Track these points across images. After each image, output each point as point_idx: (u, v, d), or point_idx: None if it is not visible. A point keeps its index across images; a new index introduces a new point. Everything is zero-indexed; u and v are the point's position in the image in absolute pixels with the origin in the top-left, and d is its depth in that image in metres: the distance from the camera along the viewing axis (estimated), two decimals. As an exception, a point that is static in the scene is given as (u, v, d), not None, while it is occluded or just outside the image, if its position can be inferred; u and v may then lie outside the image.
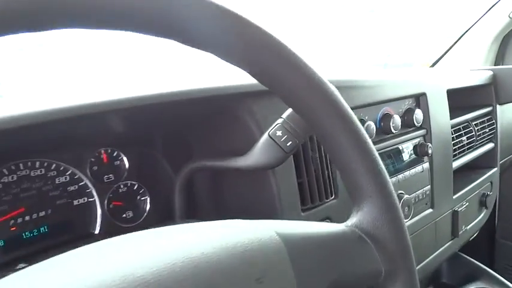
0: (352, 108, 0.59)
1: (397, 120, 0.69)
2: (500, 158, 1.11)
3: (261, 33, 0.29)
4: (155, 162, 0.61)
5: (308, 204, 0.56)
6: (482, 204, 0.99)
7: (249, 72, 0.30)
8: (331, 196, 0.59)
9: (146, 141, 0.60)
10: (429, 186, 0.79)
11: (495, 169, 1.05)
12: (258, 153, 0.46)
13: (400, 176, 0.71)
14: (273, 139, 0.45)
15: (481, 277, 0.96)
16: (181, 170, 0.53)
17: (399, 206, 0.35)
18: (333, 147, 0.34)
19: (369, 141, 0.35)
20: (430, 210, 0.80)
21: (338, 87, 0.61)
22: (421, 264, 0.81)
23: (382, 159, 0.67)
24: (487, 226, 1.75)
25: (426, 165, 0.78)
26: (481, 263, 1.68)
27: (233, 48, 0.29)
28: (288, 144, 0.45)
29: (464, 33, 1.43)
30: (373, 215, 0.34)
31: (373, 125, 0.64)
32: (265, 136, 0.46)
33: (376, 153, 0.35)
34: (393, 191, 0.36)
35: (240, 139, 0.51)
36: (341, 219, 0.36)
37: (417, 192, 0.76)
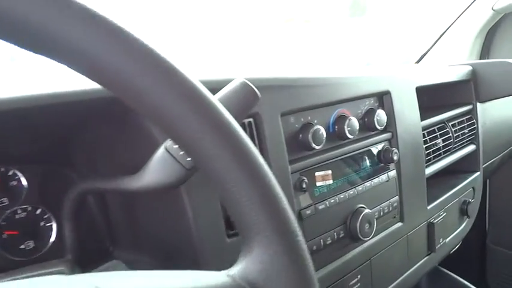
0: (295, 111, 0.49)
1: (353, 123, 0.59)
2: (483, 161, 1.01)
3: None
4: (63, 181, 0.51)
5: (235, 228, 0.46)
6: (463, 212, 0.89)
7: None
8: (269, 216, 0.50)
9: (49, 156, 0.50)
10: (397, 197, 0.69)
11: (477, 173, 0.96)
12: (152, 171, 0.36)
13: (360, 188, 0.62)
14: (169, 153, 0.36)
15: (463, 295, 0.87)
16: (69, 192, 0.43)
17: (304, 247, 0.26)
18: (211, 171, 0.25)
19: (262, 162, 0.25)
20: (400, 224, 0.71)
21: (280, 87, 0.52)
22: (393, 284, 0.71)
23: (338, 169, 0.57)
24: (477, 232, 1.66)
25: (393, 173, 0.68)
26: (472, 270, 1.60)
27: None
28: (188, 159, 0.35)
29: (448, 28, 1.35)
30: (264, 260, 0.25)
31: (322, 130, 0.54)
32: (161, 149, 0.37)
33: (272, 178, 0.26)
34: (296, 228, 0.26)
35: (142, 152, 0.42)
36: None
37: (382, 205, 0.66)
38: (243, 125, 0.47)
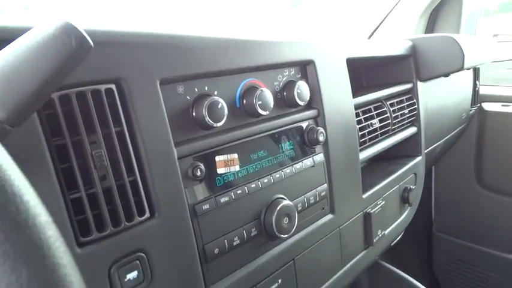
0: (185, 79, 0.38)
1: (266, 95, 0.48)
2: (425, 146, 0.95)
3: None
4: None
5: (92, 233, 0.34)
6: (405, 200, 0.82)
7: None
8: (144, 214, 0.38)
9: None
10: (325, 185, 0.59)
11: (419, 158, 0.89)
12: None
13: (277, 175, 0.51)
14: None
15: (404, 290, 0.79)
16: None
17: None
18: None
19: None
20: (330, 216, 0.61)
21: (159, 45, 0.39)
22: (327, 284, 0.62)
23: (247, 153, 0.46)
24: (423, 220, 1.63)
25: (319, 157, 0.58)
26: (418, 260, 1.56)
27: None
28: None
29: (394, 6, 1.29)
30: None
31: (222, 103, 0.43)
32: None
33: None
34: None
35: None
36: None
37: (307, 195, 0.56)
38: (97, 93, 0.35)
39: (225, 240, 0.45)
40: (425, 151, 0.97)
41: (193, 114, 0.43)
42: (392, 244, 0.82)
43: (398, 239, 0.85)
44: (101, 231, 0.35)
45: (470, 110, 1.29)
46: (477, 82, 1.26)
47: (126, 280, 0.36)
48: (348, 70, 0.64)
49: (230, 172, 0.46)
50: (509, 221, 1.39)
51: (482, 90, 1.35)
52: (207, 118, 0.42)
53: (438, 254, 1.57)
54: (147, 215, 0.38)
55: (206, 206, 0.43)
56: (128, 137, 0.36)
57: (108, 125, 0.35)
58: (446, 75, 0.90)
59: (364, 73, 0.91)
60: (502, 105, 1.36)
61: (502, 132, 1.35)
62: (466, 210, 1.49)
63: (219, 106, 0.43)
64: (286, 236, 0.50)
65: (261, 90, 0.48)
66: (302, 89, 0.54)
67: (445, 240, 1.55)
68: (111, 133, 0.35)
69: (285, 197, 0.52)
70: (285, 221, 0.50)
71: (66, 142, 0.33)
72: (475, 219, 1.47)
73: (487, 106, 1.37)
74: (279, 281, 0.53)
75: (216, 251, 0.44)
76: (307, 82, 0.56)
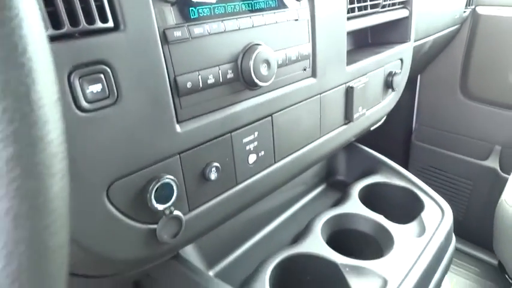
0: None
1: None
2: (415, 37, 0.91)
3: None
4: None
5: (47, 28, 0.31)
6: (388, 85, 0.80)
7: None
8: (107, 22, 0.34)
9: None
10: (309, 44, 0.56)
11: (407, 44, 0.85)
12: None
13: (257, 19, 0.47)
14: None
15: (380, 169, 0.80)
16: None
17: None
18: None
19: None
20: (312, 80, 0.59)
21: None
22: (301, 152, 0.61)
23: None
24: (404, 129, 1.66)
25: (305, 12, 0.54)
26: (396, 162, 1.61)
27: None
28: None
29: None
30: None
31: None
32: None
33: None
34: None
35: None
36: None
37: (289, 50, 0.53)
38: None
39: (199, 76, 0.42)
40: (414, 43, 0.94)
41: None
42: (372, 128, 0.82)
43: (378, 124, 0.84)
44: (58, 28, 0.31)
45: (464, 11, 1.24)
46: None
47: (88, 91, 0.34)
48: None
49: (206, 5, 0.42)
50: (486, 129, 1.41)
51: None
52: None
53: (414, 160, 1.62)
54: (110, 24, 0.34)
55: (178, 33, 0.40)
56: None
57: None
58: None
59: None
60: (497, 9, 1.31)
61: (493, 38, 1.32)
62: (446, 120, 1.51)
63: None
64: (265, 84, 0.48)
65: None
66: None
67: (423, 148, 1.58)
68: None
69: (262, 43, 0.48)
70: (264, 67, 0.47)
71: None
72: (453, 129, 1.50)
73: (481, 10, 1.32)
74: (255, 133, 0.51)
75: (189, 85, 0.42)
76: None
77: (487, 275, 1.32)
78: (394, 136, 1.68)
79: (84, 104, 0.33)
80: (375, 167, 0.82)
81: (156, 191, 0.40)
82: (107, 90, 0.35)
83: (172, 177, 0.41)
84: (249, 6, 0.47)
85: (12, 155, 0.15)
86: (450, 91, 1.46)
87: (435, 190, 0.73)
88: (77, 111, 0.33)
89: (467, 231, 1.52)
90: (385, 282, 0.54)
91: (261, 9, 0.48)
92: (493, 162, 1.40)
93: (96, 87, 0.34)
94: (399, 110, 1.64)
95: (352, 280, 0.55)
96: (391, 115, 0.90)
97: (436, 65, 1.46)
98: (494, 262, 1.32)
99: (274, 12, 0.50)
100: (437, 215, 0.67)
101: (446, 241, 0.64)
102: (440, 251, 0.61)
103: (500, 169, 1.37)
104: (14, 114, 0.15)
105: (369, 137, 0.88)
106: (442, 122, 1.52)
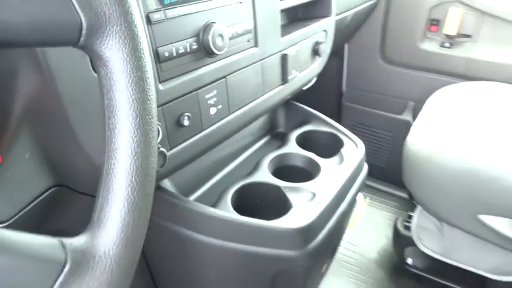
0: None
1: None
2: (337, 12, 1.11)
3: None
4: None
5: None
6: (315, 52, 0.99)
7: None
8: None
9: None
10: (252, 21, 0.73)
11: (330, 18, 1.05)
12: None
13: (211, 3, 0.63)
14: None
15: (312, 120, 1.01)
16: None
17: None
18: None
19: None
20: (255, 49, 0.76)
21: None
22: (249, 107, 0.78)
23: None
24: (335, 92, 1.89)
25: (247, -4, 0.71)
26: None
27: None
28: None
29: None
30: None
31: None
32: None
33: None
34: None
35: None
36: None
37: (236, 26, 0.69)
38: None
39: (173, 47, 0.58)
40: (338, 16, 1.13)
41: None
42: (304, 88, 1.01)
43: (309, 85, 1.04)
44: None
45: (379, -14, 1.46)
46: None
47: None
48: None
49: (174, -7, 0.57)
50: (402, 89, 1.68)
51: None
52: None
53: (345, 119, 1.86)
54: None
55: (157, 16, 0.55)
56: None
57: None
58: None
59: None
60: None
61: (404, 10, 1.56)
62: (370, 82, 1.76)
63: None
64: (220, 52, 0.64)
65: None
66: None
67: (352, 108, 1.83)
68: None
69: (217, 22, 0.65)
70: (219, 40, 0.63)
71: None
72: (376, 90, 1.75)
73: (394, -15, 1.55)
74: (214, 91, 0.68)
75: (166, 54, 0.57)
76: None
77: (401, 206, 1.62)
78: (328, 98, 1.91)
79: None
80: (307, 120, 1.02)
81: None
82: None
83: (158, 123, 0.57)
84: (205, -7, 0.63)
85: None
86: (372, 57, 1.70)
87: (363, 142, 0.93)
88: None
89: (389, 175, 1.81)
90: (314, 195, 0.75)
91: (214, -5, 0.64)
92: (407, 116, 1.68)
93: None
94: (331, 76, 1.88)
95: (291, 196, 0.75)
96: (325, 80, 1.09)
97: (360, 34, 1.69)
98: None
99: (224, -3, 0.66)
100: (353, 149, 0.89)
101: (359, 166, 0.86)
102: (354, 173, 0.83)
103: (413, 121, 1.64)
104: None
105: (307, 102, 1.08)
106: (366, 84, 1.77)
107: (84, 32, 0.25)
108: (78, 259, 0.25)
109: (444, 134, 1.07)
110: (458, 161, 1.00)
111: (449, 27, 1.50)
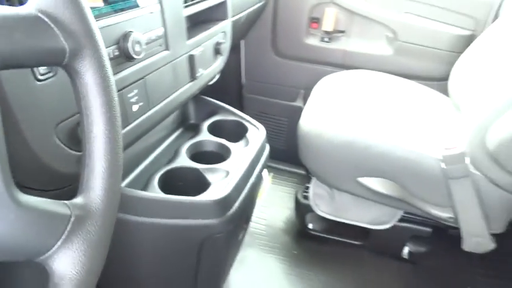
0: None
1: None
2: (233, 13, 1.26)
3: None
4: None
5: None
6: (217, 51, 1.13)
7: None
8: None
9: None
10: (162, 28, 0.84)
11: (227, 21, 1.20)
12: None
13: (127, 15, 0.73)
14: None
15: (219, 111, 1.16)
16: None
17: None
18: None
19: None
20: (166, 52, 0.87)
21: None
22: (165, 101, 0.90)
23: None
24: (236, 85, 2.06)
25: (157, 7, 0.82)
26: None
27: None
28: None
29: None
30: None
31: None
32: None
33: None
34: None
35: None
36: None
37: (150, 33, 0.80)
38: None
39: (99, 55, 0.67)
40: (233, 18, 1.29)
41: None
42: (210, 83, 1.15)
43: (214, 80, 1.18)
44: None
45: (266, -10, 1.65)
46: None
47: (41, 69, 0.56)
48: None
49: (95, 8, 0.67)
50: (293, 79, 1.91)
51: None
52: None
53: (247, 109, 2.05)
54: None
55: (84, 29, 0.64)
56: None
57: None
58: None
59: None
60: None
61: (290, 8, 1.78)
62: (266, 74, 1.96)
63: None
64: (138, 57, 0.75)
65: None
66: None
67: (252, 99, 2.02)
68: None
69: (134, 31, 0.75)
70: (137, 46, 0.74)
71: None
72: (271, 80, 1.96)
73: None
74: (135, 90, 0.79)
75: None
76: None
77: (300, 181, 1.87)
78: (231, 91, 2.08)
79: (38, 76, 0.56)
80: (215, 111, 1.17)
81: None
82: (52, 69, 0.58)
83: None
84: (122, 8, 0.73)
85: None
86: (266, 52, 1.90)
87: (265, 129, 1.10)
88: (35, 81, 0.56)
89: (289, 155, 2.05)
90: (228, 173, 0.90)
91: (129, 8, 0.74)
92: (299, 102, 1.92)
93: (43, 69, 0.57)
94: (231, 70, 2.04)
95: (208, 176, 0.89)
96: (227, 75, 1.23)
97: (254, 32, 1.87)
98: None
99: (137, 10, 0.76)
100: (256, 133, 1.06)
101: (262, 147, 1.03)
102: (259, 152, 1.00)
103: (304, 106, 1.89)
104: None
105: (214, 95, 1.22)
106: (263, 76, 1.97)
107: (67, 55, 0.36)
108: (79, 213, 0.36)
109: (329, 114, 1.30)
110: (341, 135, 1.23)
111: (327, 25, 1.76)
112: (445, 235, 1.42)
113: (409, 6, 1.69)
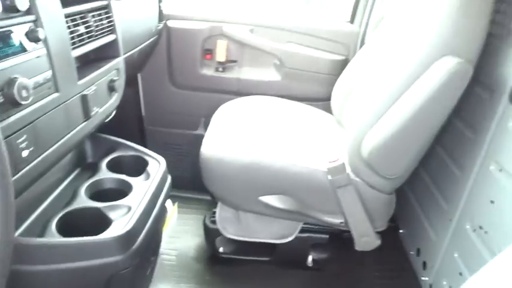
0: None
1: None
2: (125, 50, 1.29)
3: None
4: None
5: None
6: (111, 88, 1.15)
7: None
8: None
9: None
10: (50, 71, 0.85)
11: (120, 58, 1.22)
12: None
13: (13, 61, 0.73)
14: None
15: (118, 147, 1.16)
16: None
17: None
18: None
19: None
20: (56, 94, 0.87)
21: None
22: (57, 145, 0.89)
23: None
24: (137, 118, 2.05)
25: (43, 51, 0.82)
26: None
27: None
28: None
29: None
30: None
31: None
32: None
33: None
34: None
35: None
36: None
37: (38, 76, 0.80)
38: None
39: (-19, 104, 0.66)
40: (126, 55, 1.31)
41: None
42: (106, 120, 1.16)
43: (111, 116, 1.19)
44: None
45: (158, 26, 1.71)
46: (160, 4, 1.68)
47: None
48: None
49: (-24, 57, 0.66)
50: (193, 108, 1.97)
51: (168, 11, 1.79)
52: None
53: (150, 140, 2.05)
54: None
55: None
56: None
57: None
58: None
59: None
60: (183, 22, 1.84)
61: (182, 43, 1.85)
62: (165, 105, 1.99)
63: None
64: (26, 102, 0.74)
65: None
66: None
67: (154, 131, 2.03)
68: None
69: (19, 77, 0.74)
70: (24, 92, 0.73)
71: None
72: (172, 110, 1.99)
73: (172, 23, 1.83)
74: (25, 136, 0.77)
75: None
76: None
77: (207, 206, 1.92)
78: (131, 125, 2.06)
79: None
80: (114, 147, 1.17)
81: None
82: None
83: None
84: (7, 54, 0.72)
85: None
86: (163, 83, 1.94)
87: (170, 160, 1.13)
88: None
89: (194, 183, 2.08)
90: (129, 208, 0.92)
91: (14, 54, 0.74)
92: (201, 130, 1.98)
93: None
94: (130, 104, 2.03)
95: (110, 213, 0.90)
96: (125, 109, 1.23)
97: (150, 64, 1.90)
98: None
99: (23, 55, 0.76)
100: (156, 165, 1.09)
101: (163, 178, 1.07)
102: (160, 184, 1.03)
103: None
104: None
105: (112, 129, 1.22)
106: (162, 107, 2.00)
107: None
108: None
109: (228, 140, 1.39)
110: (239, 158, 1.32)
111: (219, 55, 1.87)
112: (341, 239, 1.58)
113: (291, 37, 1.88)
